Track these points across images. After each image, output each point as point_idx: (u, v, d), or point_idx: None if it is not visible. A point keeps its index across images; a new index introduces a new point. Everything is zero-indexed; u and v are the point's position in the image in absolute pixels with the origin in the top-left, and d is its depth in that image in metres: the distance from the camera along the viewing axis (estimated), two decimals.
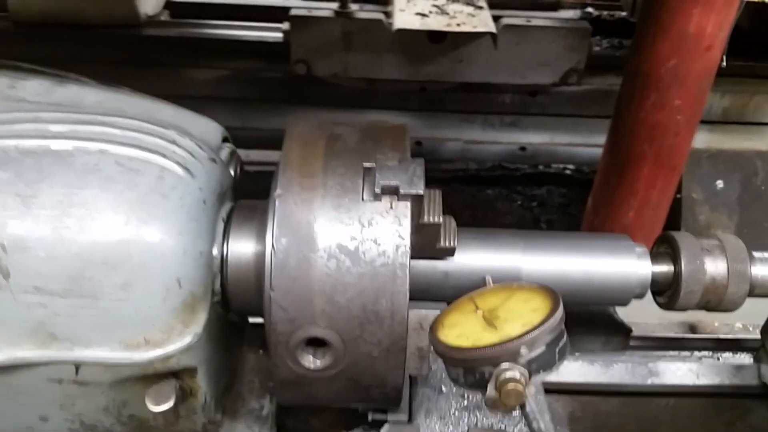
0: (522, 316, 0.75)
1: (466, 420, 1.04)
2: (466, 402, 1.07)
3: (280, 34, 2.83)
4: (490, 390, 0.70)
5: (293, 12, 2.73)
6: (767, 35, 3.03)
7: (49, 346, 0.84)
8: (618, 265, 1.00)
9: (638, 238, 2.01)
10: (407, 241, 0.83)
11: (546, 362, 0.73)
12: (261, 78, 2.97)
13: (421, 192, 0.84)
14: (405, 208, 0.84)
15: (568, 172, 3.53)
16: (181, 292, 0.85)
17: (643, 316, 1.53)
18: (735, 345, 1.41)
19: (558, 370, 0.73)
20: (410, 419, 1.03)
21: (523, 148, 3.17)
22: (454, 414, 1.05)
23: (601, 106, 2.92)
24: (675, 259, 1.01)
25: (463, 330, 0.77)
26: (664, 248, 1.04)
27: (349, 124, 0.96)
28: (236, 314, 0.99)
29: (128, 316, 0.84)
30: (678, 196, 2.66)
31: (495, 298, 0.82)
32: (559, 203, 3.54)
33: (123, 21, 2.87)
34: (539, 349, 0.72)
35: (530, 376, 0.72)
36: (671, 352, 1.38)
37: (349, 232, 0.83)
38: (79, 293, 0.82)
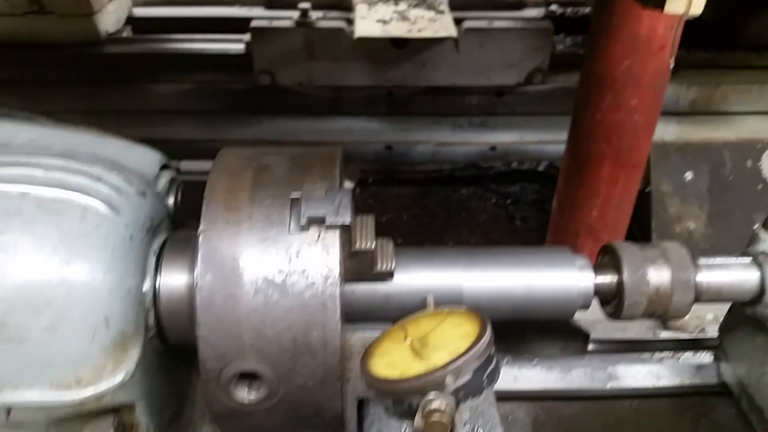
0: (451, 343, 0.74)
1: None
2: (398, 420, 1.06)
3: (242, 46, 2.82)
4: (418, 420, 0.69)
5: (254, 24, 2.72)
6: (729, 26, 3.05)
7: None
8: (559, 278, 0.99)
9: (603, 237, 2.03)
10: (336, 271, 0.82)
11: (473, 389, 0.72)
12: (226, 89, 2.96)
13: (347, 221, 0.83)
14: (333, 237, 0.83)
15: (541, 168, 3.54)
16: (109, 331, 0.84)
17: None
18: (695, 345, 1.41)
19: (490, 390, 0.73)
20: None
21: (493, 148, 3.18)
22: None
23: (567, 103, 2.89)
24: (618, 270, 1.00)
25: (392, 359, 0.76)
26: (607, 259, 1.04)
27: (279, 153, 0.94)
28: (174, 347, 0.98)
29: (56, 357, 0.82)
30: (647, 189, 2.67)
31: (427, 324, 0.81)
32: (533, 200, 3.55)
33: (84, 40, 2.85)
34: (466, 377, 0.71)
35: (458, 404, 0.71)
36: (631, 355, 1.37)
37: (276, 265, 0.81)
38: (5, 338, 0.81)
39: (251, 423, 0.88)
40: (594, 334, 1.37)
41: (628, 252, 1.01)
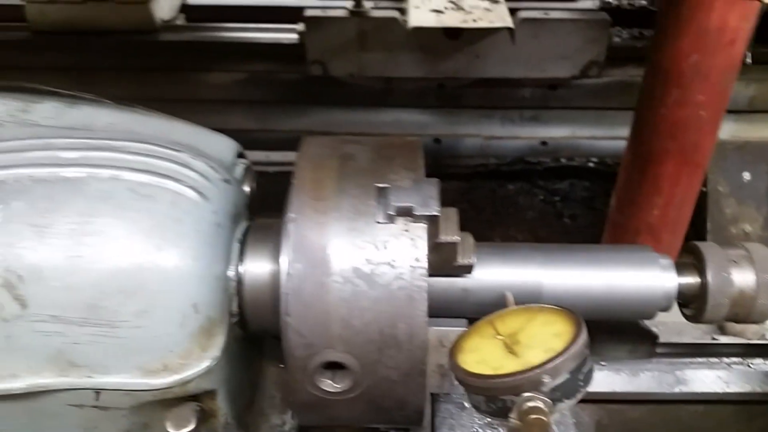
0: (544, 341, 0.73)
1: None
2: (489, 418, 1.05)
3: (295, 36, 2.82)
4: (513, 420, 0.68)
5: (307, 13, 2.72)
6: None
7: (68, 373, 0.84)
8: (642, 278, 0.97)
9: (664, 237, 1.99)
10: (423, 263, 0.81)
11: (570, 390, 0.71)
12: (277, 80, 2.96)
13: (435, 213, 0.82)
14: (420, 229, 0.82)
15: (591, 165, 3.47)
16: (197, 317, 0.85)
17: (671, 316, 1.51)
18: (765, 351, 1.38)
19: (583, 395, 0.71)
20: None
21: (544, 143, 3.13)
22: (477, 431, 1.04)
23: (622, 97, 2.87)
24: (701, 271, 0.98)
25: (484, 355, 0.75)
26: (689, 259, 1.01)
27: (360, 142, 0.94)
28: (255, 334, 0.98)
29: (145, 342, 0.84)
30: (703, 189, 2.61)
31: (515, 321, 0.80)
32: (582, 197, 3.50)
33: (139, 27, 2.88)
34: (562, 377, 0.70)
35: (554, 404, 0.70)
36: (699, 359, 1.35)
37: (364, 255, 0.81)
38: (96, 321, 0.82)
39: (332, 414, 0.88)
40: (662, 337, 1.35)
41: (712, 252, 0.99)
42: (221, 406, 0.92)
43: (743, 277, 0.97)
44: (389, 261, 0.81)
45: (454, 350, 0.79)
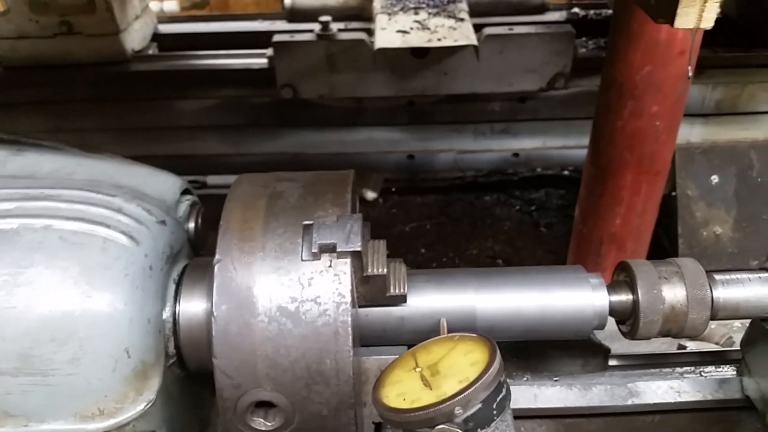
0: (460, 371, 0.75)
1: None
2: None
3: (265, 60, 2.86)
4: None
5: (276, 38, 2.75)
6: (756, 24, 2.99)
7: (4, 423, 0.85)
8: (573, 297, 0.99)
9: (627, 245, 2.02)
10: (348, 299, 0.83)
11: (483, 419, 0.73)
12: (249, 104, 3.00)
13: (357, 248, 0.84)
14: (344, 264, 0.84)
15: (566, 173, 3.51)
16: (130, 361, 0.86)
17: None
18: (718, 358, 1.39)
19: (508, 418, 0.73)
20: None
21: (516, 154, 3.17)
22: None
23: (590, 107, 2.87)
24: (632, 288, 1.00)
25: (404, 388, 0.77)
26: (623, 277, 1.04)
27: (294, 179, 0.96)
28: (195, 374, 1.00)
29: (80, 389, 0.85)
30: (673, 194, 2.63)
31: (438, 350, 0.82)
32: (558, 205, 3.53)
33: (111, 58, 2.92)
34: (475, 407, 0.72)
35: None
36: (652, 370, 1.36)
37: (289, 294, 0.83)
38: (29, 371, 0.84)
39: None
40: (614, 349, 1.36)
41: (643, 270, 1.01)
42: None
43: (674, 293, 0.99)
44: (314, 298, 0.83)
45: (377, 384, 0.80)
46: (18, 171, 1.04)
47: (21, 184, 0.99)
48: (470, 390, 0.70)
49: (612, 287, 1.02)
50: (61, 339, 0.84)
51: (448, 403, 0.70)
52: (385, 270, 0.89)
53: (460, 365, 0.76)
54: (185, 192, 1.18)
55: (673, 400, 1.31)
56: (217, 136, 3.04)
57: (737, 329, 1.67)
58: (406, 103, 3.00)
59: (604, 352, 1.35)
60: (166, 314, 0.93)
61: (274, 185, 0.95)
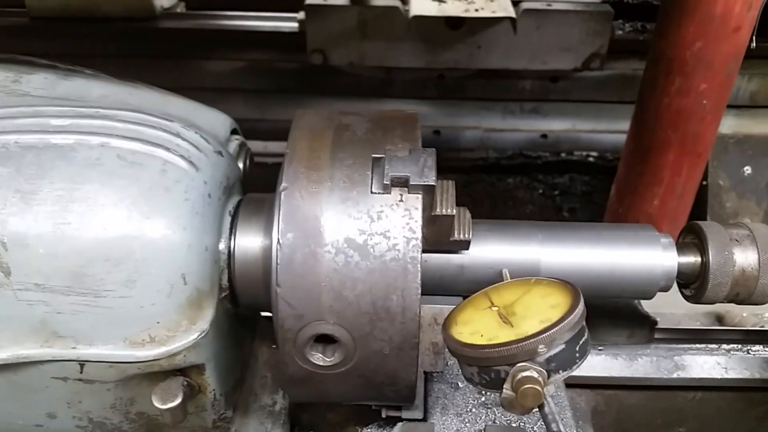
0: (540, 312, 0.71)
1: (483, 417, 1.01)
2: (483, 398, 1.03)
3: (295, 24, 2.80)
4: (507, 390, 0.66)
5: (308, 1, 2.70)
6: None
7: (52, 344, 0.82)
8: (642, 256, 0.95)
9: (663, 227, 1.96)
10: (418, 234, 0.79)
11: (566, 361, 0.69)
12: (277, 69, 2.94)
13: (432, 183, 0.80)
14: (416, 200, 0.80)
15: (591, 159, 3.46)
16: (186, 288, 0.83)
17: (669, 306, 1.49)
18: (765, 337, 1.36)
19: (579, 368, 0.69)
20: (425, 416, 1.00)
21: (544, 136, 3.11)
22: (471, 411, 1.02)
23: (624, 91, 2.85)
24: (702, 250, 0.96)
25: (478, 327, 0.73)
26: (690, 239, 1.00)
27: (358, 114, 0.92)
28: (245, 310, 0.96)
29: (132, 313, 0.82)
30: (704, 183, 2.59)
31: (511, 293, 0.78)
32: (581, 191, 3.48)
33: (139, 14, 2.87)
34: (558, 348, 0.68)
35: (549, 375, 0.68)
36: (698, 345, 1.33)
37: (357, 226, 0.79)
38: (81, 291, 0.80)
39: (323, 389, 0.86)
40: (661, 322, 1.33)
41: (714, 231, 0.97)
42: (210, 381, 0.90)
43: (745, 257, 0.95)
44: (383, 232, 0.79)
45: (447, 322, 0.77)
46: (68, 94, 1.01)
47: (73, 104, 0.95)
48: (556, 328, 0.67)
49: (680, 248, 0.98)
50: (115, 259, 0.80)
51: (532, 340, 0.67)
52: (455, 211, 0.85)
53: (539, 306, 0.73)
54: (234, 132, 1.15)
55: (719, 376, 1.28)
56: (242, 99, 2.99)
57: None
58: (435, 77, 2.94)
59: (650, 324, 1.32)
60: (222, 246, 0.89)
61: (339, 118, 0.91)
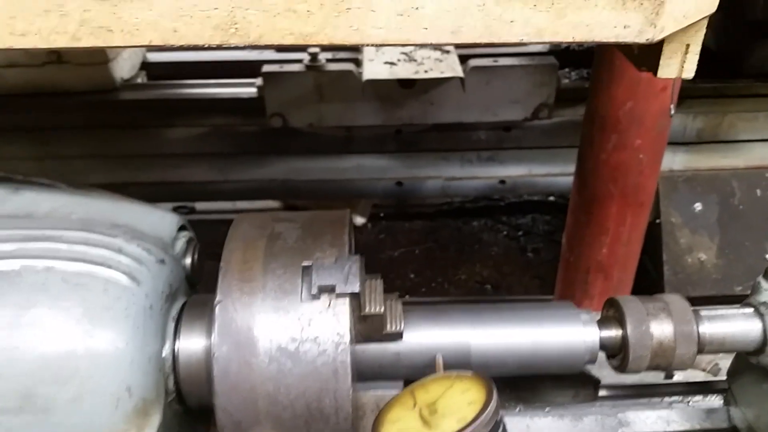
0: (458, 410, 0.77)
1: None
2: None
3: (254, 89, 2.89)
4: None
5: (265, 68, 2.79)
6: (734, 55, 3.08)
7: None
8: (565, 333, 1.02)
9: (614, 274, 2.05)
10: (346, 338, 0.85)
11: None
12: (239, 132, 3.02)
13: (356, 290, 0.86)
14: (343, 305, 0.86)
15: (551, 199, 3.57)
16: (132, 399, 0.87)
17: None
18: (706, 388, 1.42)
19: None
20: None
21: (502, 182, 3.21)
22: None
23: (574, 136, 2.93)
24: (622, 324, 1.03)
25: (403, 426, 0.79)
26: (612, 312, 1.06)
27: (291, 219, 0.98)
28: (194, 409, 1.01)
29: (81, 427, 0.86)
30: (657, 221, 2.68)
31: (436, 388, 0.84)
32: (544, 231, 3.58)
33: (100, 87, 2.93)
34: None
35: None
36: (641, 400, 1.39)
37: (289, 334, 0.85)
38: (32, 410, 0.85)
39: None
40: (603, 379, 1.39)
41: (631, 306, 1.04)
42: None
43: (661, 329, 1.02)
44: (314, 338, 0.85)
45: (376, 423, 0.82)
46: (16, 210, 1.06)
47: (21, 224, 1.00)
48: (468, 430, 0.72)
49: (602, 323, 1.04)
50: (63, 378, 0.85)
51: None
52: (383, 309, 0.91)
53: (458, 404, 0.78)
54: (181, 228, 1.20)
55: (662, 430, 1.33)
56: (205, 163, 3.05)
57: (723, 356, 1.70)
58: (393, 132, 3.03)
59: (594, 383, 1.37)
60: (166, 352, 0.94)
61: (272, 226, 0.97)
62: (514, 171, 3.14)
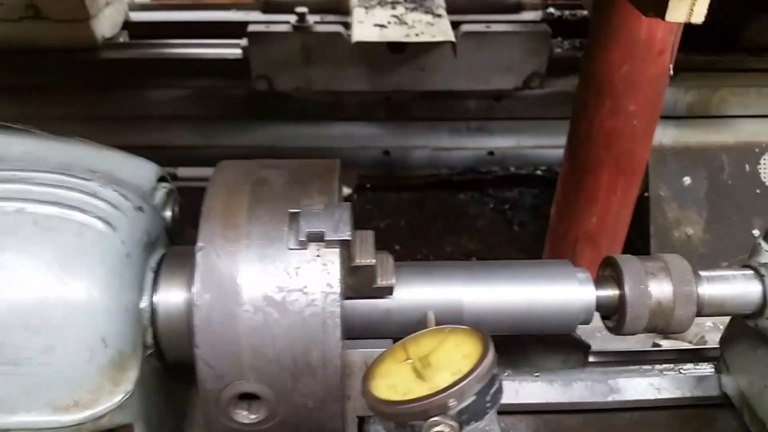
0: (453, 363, 0.73)
1: None
2: None
3: (239, 51, 2.81)
4: None
5: (251, 28, 2.71)
6: (727, 28, 3.04)
7: None
8: (560, 292, 0.98)
9: (602, 244, 2.02)
10: (337, 289, 0.81)
11: (477, 411, 0.71)
12: (223, 95, 2.95)
13: (347, 237, 0.82)
14: (332, 254, 0.82)
15: (539, 172, 3.53)
16: (107, 351, 0.83)
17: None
18: (696, 356, 1.40)
19: (493, 413, 0.72)
20: None
21: (491, 153, 3.17)
22: None
23: (565, 107, 2.90)
24: (619, 284, 0.99)
25: (394, 380, 0.75)
26: (608, 272, 1.03)
27: (278, 166, 0.93)
28: (173, 365, 0.96)
29: (54, 379, 0.81)
30: (645, 194, 2.66)
31: (429, 343, 0.80)
32: (531, 204, 3.54)
33: (80, 45, 2.84)
34: (469, 399, 0.70)
35: (461, 427, 0.70)
36: (631, 367, 1.37)
37: (275, 283, 0.80)
38: (1, 360, 0.80)
39: None
40: (594, 346, 1.36)
41: (630, 265, 1.00)
42: None
43: (660, 289, 0.99)
44: (301, 288, 0.81)
45: (366, 376, 0.78)
46: None
47: None
48: (465, 382, 0.69)
49: (598, 282, 1.01)
50: (34, 327, 0.80)
51: (442, 395, 0.68)
52: (374, 260, 0.87)
53: (452, 357, 0.75)
54: (161, 180, 1.14)
55: (652, 397, 1.31)
56: (188, 127, 2.98)
57: (709, 329, 1.69)
58: (383, 99, 2.98)
59: (584, 349, 1.35)
60: (144, 303, 0.89)
61: (258, 172, 0.92)
62: (503, 142, 3.11)
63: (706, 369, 1.38)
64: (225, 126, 3.00)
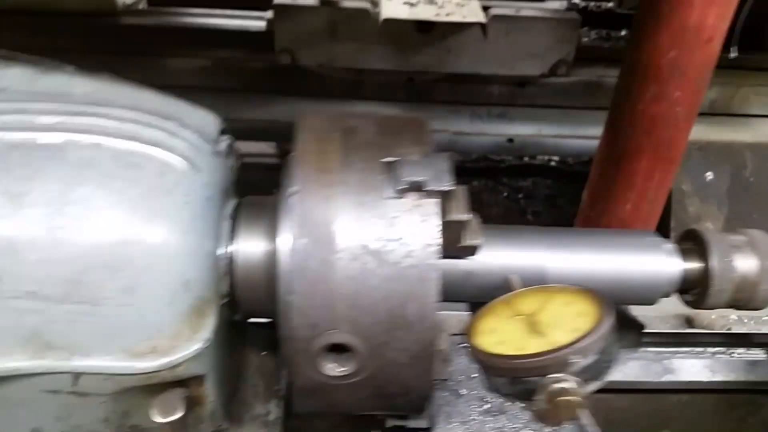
0: (567, 321, 0.70)
1: (489, 425, 0.99)
2: (487, 406, 1.02)
3: (263, 23, 2.75)
4: (540, 402, 0.64)
5: (277, 0, 2.64)
6: (753, 27, 3.02)
7: (44, 355, 0.76)
8: (647, 262, 0.95)
9: None
10: (436, 241, 0.77)
11: (597, 371, 0.68)
12: (244, 68, 2.88)
13: (449, 188, 0.78)
14: (432, 205, 0.78)
15: (553, 163, 3.51)
16: (188, 295, 0.78)
17: (640, 308, 1.50)
18: (746, 341, 1.38)
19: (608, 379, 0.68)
20: (430, 425, 0.98)
21: (510, 140, 3.13)
22: (475, 419, 1.00)
23: (589, 97, 2.89)
24: (704, 257, 0.96)
25: (503, 336, 0.71)
26: (690, 245, 1.00)
27: (363, 117, 0.89)
28: (244, 316, 0.92)
29: (132, 322, 0.77)
30: None
31: (532, 301, 0.76)
32: (545, 195, 3.52)
33: (100, 10, 2.76)
34: (591, 358, 0.66)
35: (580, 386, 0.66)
36: (684, 349, 1.34)
37: (373, 232, 0.76)
38: (78, 299, 0.75)
39: (332, 399, 0.83)
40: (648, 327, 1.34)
41: (715, 238, 0.97)
42: (209, 393, 0.86)
43: (746, 263, 0.96)
44: (399, 238, 0.77)
45: (470, 332, 0.74)
46: (50, 90, 0.94)
47: (60, 99, 0.89)
48: (590, 338, 0.65)
49: (684, 254, 0.98)
50: (114, 266, 0.75)
51: (565, 350, 0.65)
52: (470, 216, 0.83)
53: (565, 315, 0.71)
54: (222, 132, 1.10)
55: (706, 379, 1.29)
56: (207, 98, 2.88)
57: (734, 321, 1.66)
58: (405, 79, 2.92)
59: (638, 328, 1.32)
60: (221, 251, 0.85)
61: (345, 121, 0.88)
62: (524, 130, 3.06)
63: (759, 354, 1.36)
64: (243, 99, 2.94)
